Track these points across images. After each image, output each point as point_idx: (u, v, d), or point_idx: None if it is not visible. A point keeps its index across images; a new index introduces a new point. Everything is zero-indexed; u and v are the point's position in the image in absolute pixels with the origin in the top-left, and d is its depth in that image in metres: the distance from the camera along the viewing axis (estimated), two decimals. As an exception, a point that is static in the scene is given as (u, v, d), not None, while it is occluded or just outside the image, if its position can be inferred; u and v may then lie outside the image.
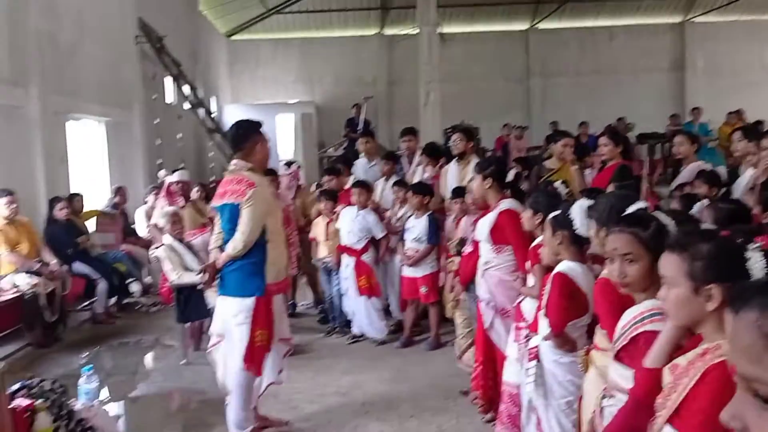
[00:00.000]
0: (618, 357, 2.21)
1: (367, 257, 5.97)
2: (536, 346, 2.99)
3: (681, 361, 1.85)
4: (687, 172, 5.13)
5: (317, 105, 17.43)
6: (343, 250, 6.01)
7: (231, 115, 14.64)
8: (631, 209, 2.22)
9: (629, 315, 2.18)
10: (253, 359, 3.86)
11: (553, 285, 2.93)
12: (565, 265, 2.91)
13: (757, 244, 1.68)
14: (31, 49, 7.13)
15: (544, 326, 3.00)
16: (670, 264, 1.82)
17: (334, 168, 6.88)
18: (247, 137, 3.95)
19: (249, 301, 3.82)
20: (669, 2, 18.61)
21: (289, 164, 7.36)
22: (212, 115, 12.69)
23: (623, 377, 2.16)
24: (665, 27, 19.14)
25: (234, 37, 18.37)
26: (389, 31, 18.45)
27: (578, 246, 2.88)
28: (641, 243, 2.08)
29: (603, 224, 2.40)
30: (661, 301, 1.85)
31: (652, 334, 2.06)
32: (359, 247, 5.94)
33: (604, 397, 2.26)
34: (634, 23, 18.92)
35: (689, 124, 13.45)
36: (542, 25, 18.71)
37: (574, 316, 2.88)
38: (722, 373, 1.69)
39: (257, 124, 4.04)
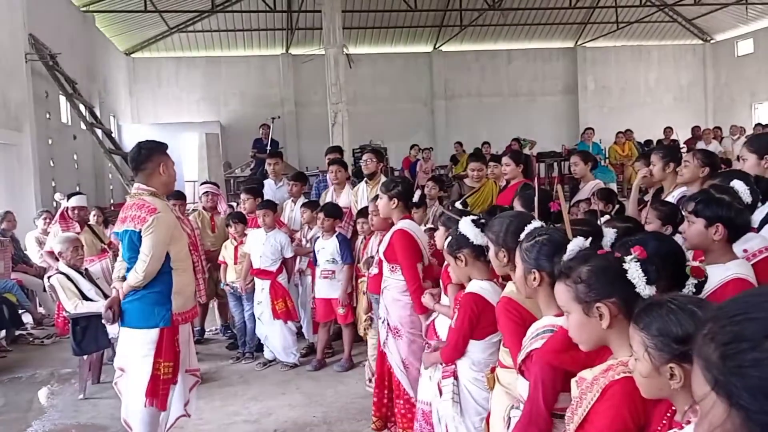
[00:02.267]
0: (520, 370, 2.28)
1: (282, 279, 5.89)
2: (453, 365, 3.02)
3: (587, 374, 1.92)
4: (585, 190, 5.39)
5: (223, 125, 17.13)
6: (256, 273, 5.89)
7: (132, 134, 14.12)
8: (528, 228, 2.30)
9: (530, 330, 2.26)
10: (157, 393, 3.69)
11: (461, 306, 2.97)
12: (475, 285, 2.97)
13: (632, 256, 1.78)
14: None
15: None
16: (560, 293, 1.90)
17: (254, 188, 6.75)
18: (148, 159, 3.76)
19: (153, 333, 3.66)
20: (562, 28, 19.64)
21: (216, 185, 7.27)
22: (111, 135, 12.19)
23: (524, 389, 2.23)
24: (559, 52, 20.17)
25: (134, 55, 17.79)
26: (295, 51, 18.44)
27: (483, 259, 2.93)
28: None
29: (501, 245, 2.47)
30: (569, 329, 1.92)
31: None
32: (273, 269, 5.85)
33: (512, 407, 2.32)
34: (530, 47, 19.82)
35: (582, 143, 14.16)
36: (445, 48, 19.26)
37: (489, 332, 2.93)
38: (622, 388, 1.76)
39: (161, 145, 3.86)
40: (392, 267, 3.98)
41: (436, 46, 19.37)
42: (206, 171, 13.13)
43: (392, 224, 4.07)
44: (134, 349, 3.70)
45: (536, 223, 2.34)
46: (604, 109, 19.68)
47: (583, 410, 1.86)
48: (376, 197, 4.46)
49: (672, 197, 3.89)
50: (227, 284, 6.22)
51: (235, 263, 6.14)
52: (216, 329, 7.11)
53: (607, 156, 12.98)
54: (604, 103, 19.90)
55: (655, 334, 1.52)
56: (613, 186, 8.65)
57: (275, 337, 5.84)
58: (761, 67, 18.71)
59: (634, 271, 1.76)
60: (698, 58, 20.80)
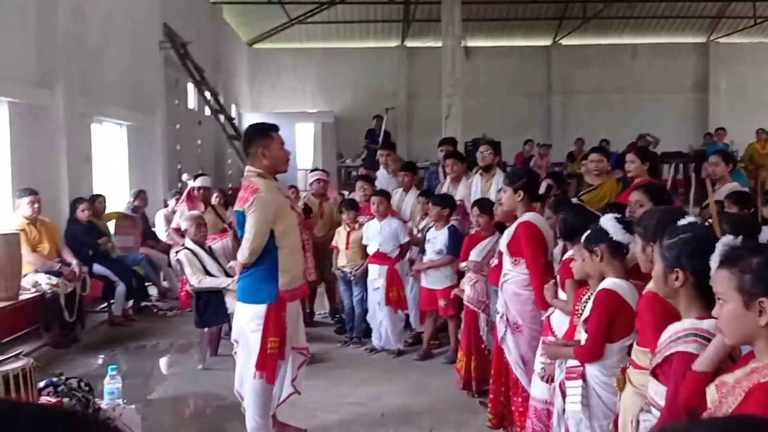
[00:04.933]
0: (653, 373, 2.15)
1: (400, 267, 5.95)
2: (581, 366, 2.89)
3: (728, 378, 1.80)
4: (722, 192, 5.04)
5: (336, 115, 17.47)
6: (375, 259, 5.97)
7: (251, 122, 14.66)
8: (682, 222, 2.15)
9: (668, 333, 2.12)
10: (265, 366, 3.80)
11: (597, 301, 2.82)
12: (611, 282, 2.82)
13: None
14: (59, 50, 7.18)
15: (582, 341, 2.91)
16: (721, 279, 1.77)
17: (369, 176, 6.87)
18: (252, 142, 3.87)
19: (261, 308, 3.77)
20: (693, 22, 18.52)
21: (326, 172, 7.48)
22: (233, 122, 12.74)
23: (658, 394, 2.10)
24: (689, 47, 19.04)
25: (256, 46, 18.48)
26: (411, 44, 18.48)
27: (620, 258, 2.80)
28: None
29: (650, 239, 2.33)
30: (716, 318, 1.80)
31: (686, 355, 2.00)
32: (394, 255, 5.91)
33: (641, 410, 2.19)
34: (657, 42, 18.83)
35: (713, 144, 13.31)
36: (565, 41, 18.67)
37: (624, 334, 2.78)
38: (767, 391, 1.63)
39: (266, 127, 3.97)
40: (515, 260, 3.88)
41: (556, 40, 18.82)
42: (320, 159, 13.47)
43: (515, 217, 3.97)
44: (246, 324, 3.84)
45: (689, 219, 2.18)
46: (736, 110, 18.35)
47: (723, 414, 1.73)
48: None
49: None
50: (338, 269, 6.33)
51: (347, 248, 6.23)
52: (324, 313, 7.26)
53: (742, 157, 12.11)
54: (737, 104, 18.55)
55: (756, 270, 1.39)
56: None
57: (385, 323, 5.90)
58: None
59: None
60: None
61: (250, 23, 16.91)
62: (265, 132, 3.93)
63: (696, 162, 13.00)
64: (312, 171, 7.67)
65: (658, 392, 2.11)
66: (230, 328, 4.73)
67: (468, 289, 4.94)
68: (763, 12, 16.84)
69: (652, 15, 18.03)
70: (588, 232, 2.90)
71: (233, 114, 15.14)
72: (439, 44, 11.69)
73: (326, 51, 18.60)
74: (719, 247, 1.87)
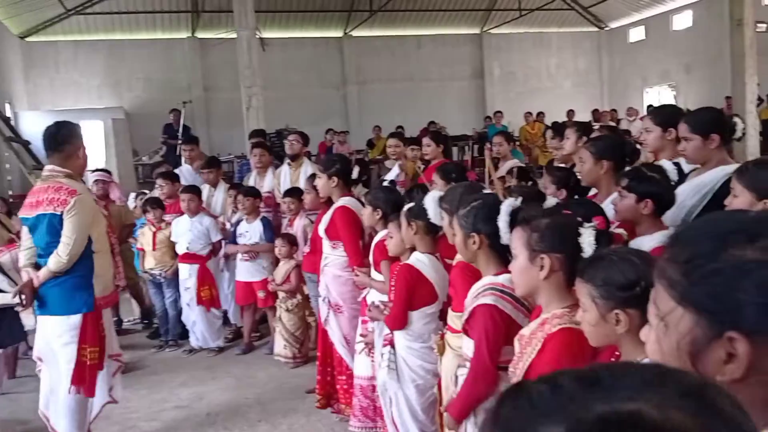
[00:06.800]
0: (464, 330, 2.41)
1: (211, 265, 5.81)
2: (390, 333, 3.13)
3: (525, 331, 2.06)
4: (504, 168, 5.61)
5: (128, 111, 16.45)
6: (184, 259, 5.78)
7: (29, 122, 13.34)
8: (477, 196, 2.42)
9: (472, 291, 2.39)
10: (84, 380, 3.60)
11: (398, 277, 3.08)
12: (414, 258, 3.08)
13: (593, 224, 1.93)
14: None
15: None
16: (515, 237, 2.04)
17: (171, 173, 6.56)
18: (69, 140, 3.63)
19: (75, 319, 3.56)
20: (468, 14, 20.06)
21: (108, 171, 6.94)
22: (10, 123, 11.47)
23: (470, 349, 2.36)
24: (466, 38, 20.60)
25: (29, 39, 16.73)
26: (202, 35, 17.91)
27: (432, 235, 3.06)
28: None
29: (454, 213, 2.59)
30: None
31: (485, 307, 2.27)
32: (204, 253, 5.76)
33: (458, 367, 2.44)
34: (438, 33, 20.15)
35: (492, 126, 14.64)
36: (356, 33, 19.27)
37: (423, 303, 3.06)
38: (560, 340, 1.92)
39: (77, 126, 3.77)
40: (333, 244, 4.04)
41: (347, 32, 19.35)
42: (113, 159, 12.65)
43: (330, 203, 4.11)
44: (55, 337, 3.59)
45: (487, 191, 2.45)
46: (510, 94, 20.30)
47: (524, 364, 1.99)
48: (313, 176, 4.49)
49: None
50: (146, 271, 6.06)
51: (153, 249, 5.99)
52: (134, 319, 6.92)
53: (518, 137, 13.47)
54: (510, 88, 20.51)
55: (600, 284, 1.66)
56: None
57: (200, 322, 5.78)
58: (651, 54, 19.85)
59: (587, 237, 1.90)
60: (594, 45, 21.79)
61: (19, 15, 15.25)
62: (79, 131, 3.71)
63: (480, 143, 14.21)
64: (93, 171, 7.08)
65: (470, 347, 2.36)
66: (29, 347, 4.36)
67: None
68: (526, 5, 18.74)
69: (432, 8, 19.25)
70: (411, 204, 3.12)
71: (8, 113, 13.61)
72: (233, 35, 11.50)
73: (111, 43, 17.37)
74: (504, 208, 2.17)
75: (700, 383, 0.59)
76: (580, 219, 1.95)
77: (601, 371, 0.59)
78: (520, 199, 2.22)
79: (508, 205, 2.18)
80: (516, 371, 2.04)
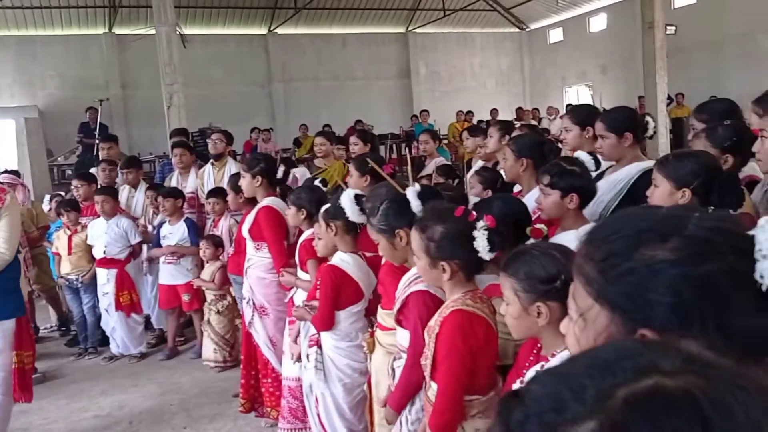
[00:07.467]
0: (398, 321, 2.42)
1: (131, 269, 5.60)
2: (317, 334, 3.10)
3: (432, 322, 2.11)
4: (430, 166, 5.67)
5: (41, 109, 15.72)
6: (102, 264, 5.56)
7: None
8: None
9: (402, 283, 2.40)
10: (25, 385, 3.50)
11: (323, 278, 3.05)
12: (337, 258, 3.06)
13: (483, 224, 1.97)
14: None
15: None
16: (414, 240, 2.09)
17: (86, 174, 6.27)
18: None
19: (8, 324, 3.40)
20: (393, 14, 20.20)
21: (17, 173, 6.57)
22: None
23: (405, 339, 2.37)
24: (392, 37, 20.74)
25: (-71, 33, 15.76)
26: (120, 31, 17.30)
27: (353, 234, 3.04)
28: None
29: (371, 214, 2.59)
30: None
31: (417, 293, 2.30)
32: (121, 257, 5.55)
33: (394, 359, 2.45)
34: (364, 32, 20.18)
35: (419, 125, 14.79)
36: (280, 30, 19.06)
37: (349, 302, 3.04)
38: (451, 321, 2.00)
39: None
40: (257, 245, 3.96)
41: (271, 29, 19.12)
42: (26, 160, 12.03)
43: (254, 203, 4.04)
44: None
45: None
46: (435, 93, 20.57)
47: (430, 351, 2.04)
48: (237, 175, 4.39)
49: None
50: (62, 276, 5.80)
51: (69, 254, 5.73)
52: (51, 327, 6.63)
53: (445, 135, 13.65)
54: (435, 87, 20.79)
55: (523, 278, 1.70)
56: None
57: (120, 328, 5.57)
58: (570, 54, 20.54)
59: (480, 240, 1.95)
60: (516, 45, 22.37)
61: None
62: None
63: (407, 141, 14.33)
64: (1, 173, 6.70)
65: (405, 337, 2.37)
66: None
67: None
68: (450, 5, 19.03)
69: (357, 6, 19.27)
70: (329, 206, 3.09)
71: None
72: (152, 31, 11.14)
73: (23, 39, 16.55)
74: (410, 196, 2.28)
75: (686, 347, 0.60)
76: (471, 220, 1.99)
77: (594, 359, 0.60)
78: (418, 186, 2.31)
79: (412, 192, 2.27)
80: (426, 362, 2.07)
